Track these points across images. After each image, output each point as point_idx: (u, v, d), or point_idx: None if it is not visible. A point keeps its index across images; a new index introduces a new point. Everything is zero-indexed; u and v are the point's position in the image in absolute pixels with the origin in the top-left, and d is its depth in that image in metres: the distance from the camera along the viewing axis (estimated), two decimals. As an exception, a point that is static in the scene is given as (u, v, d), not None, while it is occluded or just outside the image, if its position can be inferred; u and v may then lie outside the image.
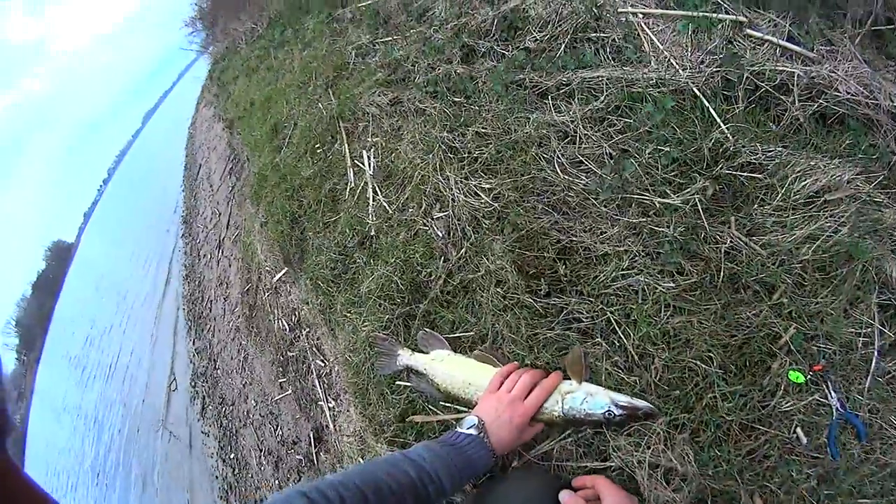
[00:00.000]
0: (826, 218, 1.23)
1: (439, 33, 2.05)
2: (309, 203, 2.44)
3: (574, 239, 1.33)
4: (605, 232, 1.31)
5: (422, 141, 1.80)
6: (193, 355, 5.84)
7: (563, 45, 1.70)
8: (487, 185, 1.51)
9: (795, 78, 1.41)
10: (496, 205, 1.47)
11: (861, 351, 1.13)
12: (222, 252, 5.39)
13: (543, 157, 1.46)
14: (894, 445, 1.07)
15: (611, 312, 1.22)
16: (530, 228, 1.38)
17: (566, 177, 1.40)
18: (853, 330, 1.14)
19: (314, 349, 2.42)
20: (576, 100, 1.54)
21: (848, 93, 1.40)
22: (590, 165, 1.42)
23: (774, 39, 1.51)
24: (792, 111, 1.40)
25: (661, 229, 1.27)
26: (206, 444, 4.15)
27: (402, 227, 1.78)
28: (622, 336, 1.21)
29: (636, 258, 1.26)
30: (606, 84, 1.54)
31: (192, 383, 5.66)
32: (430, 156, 1.68)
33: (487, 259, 1.40)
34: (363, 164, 2.10)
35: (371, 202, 1.95)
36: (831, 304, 1.16)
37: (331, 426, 2.17)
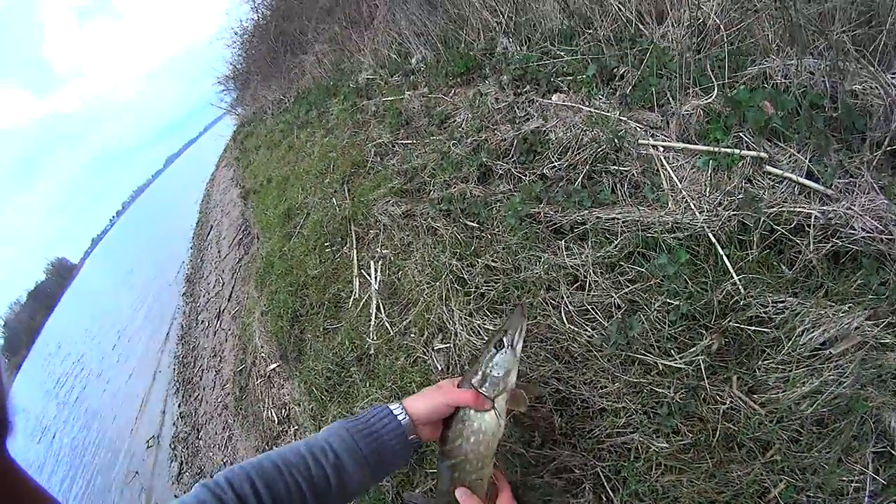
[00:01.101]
0: (830, 370, 1.64)
1: (458, 147, 2.67)
2: (312, 304, 3.04)
3: (573, 391, 1.76)
4: (606, 387, 1.75)
5: (430, 265, 2.35)
6: (178, 418, 7.13)
7: (581, 176, 2.25)
8: (491, 327, 1.99)
9: (812, 220, 1.92)
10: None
11: (852, 496, 1.46)
12: (220, 324, 6.71)
13: (551, 303, 1.93)
14: None
15: (601, 468, 1.64)
16: (530, 376, 1.82)
17: (572, 326, 1.88)
18: (845, 479, 1.48)
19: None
20: (589, 242, 2.00)
21: (863, 229, 1.78)
22: (597, 316, 1.88)
23: (793, 177, 1.97)
24: (806, 254, 1.84)
25: (661, 390, 1.69)
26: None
27: (401, 351, 2.28)
28: (610, 491, 1.62)
29: (633, 416, 1.70)
30: (622, 227, 2.06)
31: (172, 445, 6.82)
32: (438, 283, 2.19)
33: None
34: (369, 276, 2.69)
35: (373, 318, 2.51)
36: (826, 458, 1.55)
37: None
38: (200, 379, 6.89)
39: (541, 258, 2.08)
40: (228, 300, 6.93)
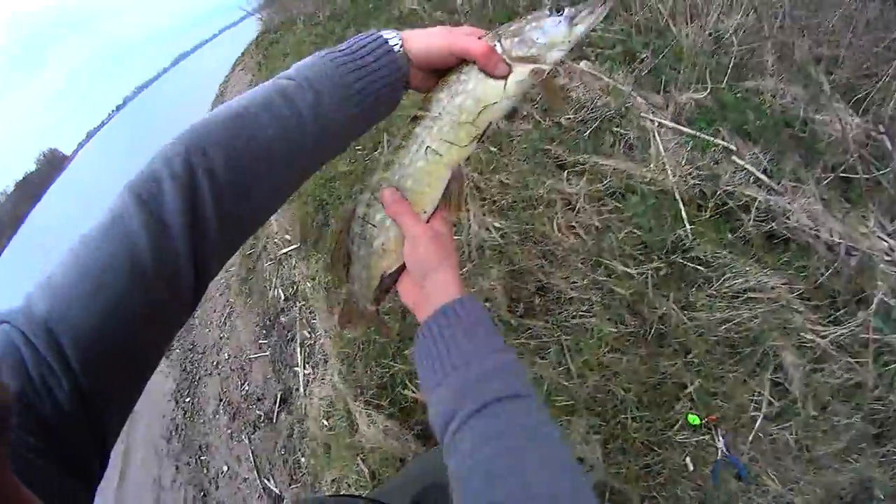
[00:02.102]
0: (745, 310, 2.24)
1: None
2: (338, 195, 3.49)
3: (552, 281, 2.29)
4: (576, 282, 2.29)
5: None
6: None
7: (590, 130, 2.79)
8: (498, 225, 2.47)
9: (757, 203, 2.47)
10: (501, 241, 2.44)
11: (751, 414, 2.01)
12: None
13: (547, 216, 2.47)
14: (767, 492, 1.90)
15: (564, 340, 2.19)
16: (521, 265, 2.34)
17: (560, 235, 2.41)
18: (748, 397, 2.07)
19: (304, 321, 3.39)
20: (585, 178, 2.56)
21: (798, 222, 2.40)
22: (579, 232, 2.43)
23: (751, 168, 2.53)
24: (747, 227, 2.41)
25: (617, 289, 2.24)
26: (161, 384, 5.06)
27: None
28: (568, 358, 2.18)
29: (593, 305, 2.23)
30: (611, 172, 2.60)
31: None
32: None
33: (482, 279, 2.38)
34: None
35: None
36: (733, 373, 2.14)
37: (301, 390, 3.08)
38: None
39: (545, 182, 2.59)
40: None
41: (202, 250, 0.69)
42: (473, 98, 0.86)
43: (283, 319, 3.71)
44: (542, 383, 2.10)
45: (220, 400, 3.95)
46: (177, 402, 4.51)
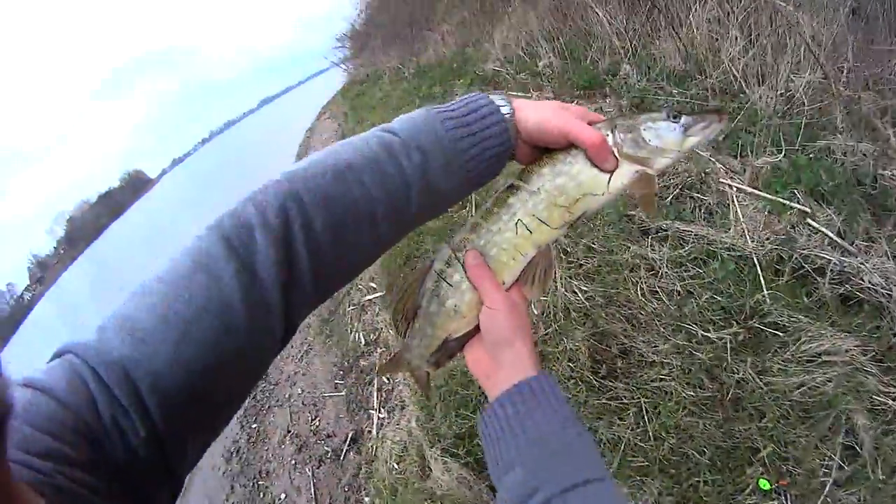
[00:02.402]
0: (820, 374, 2.40)
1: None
2: (425, 251, 3.85)
3: (634, 345, 2.50)
4: (657, 345, 2.49)
5: None
6: None
7: (671, 196, 3.00)
8: (584, 288, 2.71)
9: (831, 265, 2.60)
10: (586, 304, 2.69)
11: (821, 478, 2.15)
12: None
13: (631, 281, 2.70)
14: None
15: (644, 401, 2.41)
16: (605, 328, 2.58)
17: (643, 300, 2.62)
18: (818, 461, 2.20)
19: (383, 368, 3.66)
20: (667, 245, 2.78)
21: (871, 283, 2.52)
22: (662, 296, 2.64)
23: (826, 231, 2.66)
24: (822, 290, 2.55)
25: (696, 354, 2.45)
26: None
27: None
28: (646, 420, 2.42)
29: (673, 369, 2.43)
30: (693, 238, 2.79)
31: None
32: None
33: (567, 340, 2.62)
34: None
35: None
36: (806, 437, 2.31)
37: (374, 432, 3.34)
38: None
39: (629, 248, 2.81)
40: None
41: (294, 303, 0.68)
42: (576, 183, 0.85)
43: (362, 363, 4.01)
44: (620, 444, 2.33)
45: (289, 431, 4.20)
46: (242, 427, 4.73)
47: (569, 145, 0.84)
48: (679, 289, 2.63)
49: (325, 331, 4.91)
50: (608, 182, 0.84)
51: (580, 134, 0.80)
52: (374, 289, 4.49)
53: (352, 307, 4.69)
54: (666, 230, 2.84)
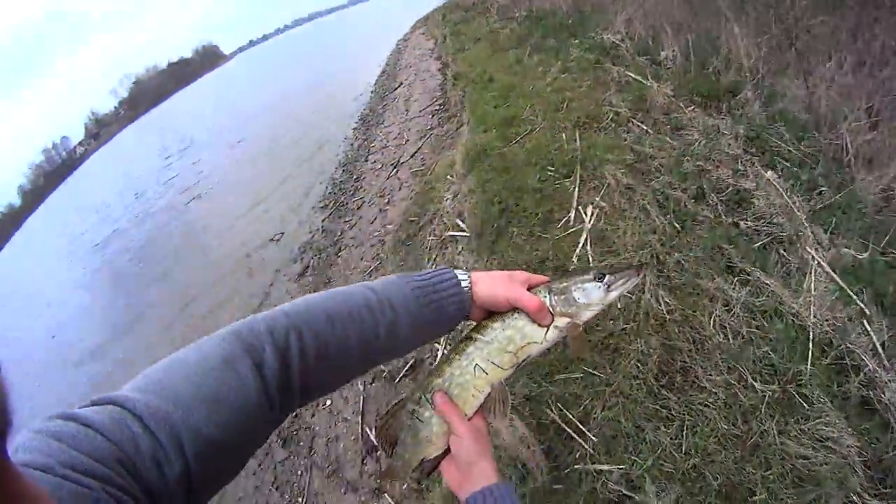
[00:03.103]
0: (822, 454, 2.78)
1: (688, 162, 3.53)
2: (524, 207, 3.88)
3: (694, 367, 2.81)
4: (712, 376, 2.81)
5: (639, 235, 3.28)
6: (318, 230, 7.80)
7: (761, 243, 3.22)
8: (667, 300, 2.96)
9: (866, 369, 2.96)
10: (666, 316, 2.94)
11: None
12: (397, 172, 7.44)
13: (708, 309, 2.95)
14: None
15: (688, 419, 2.73)
16: (675, 343, 2.87)
17: (712, 330, 2.89)
18: None
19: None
20: (746, 289, 3.02)
21: (889, 400, 2.92)
22: (727, 333, 2.92)
23: (874, 338, 3.03)
24: (850, 385, 2.93)
25: (739, 395, 2.78)
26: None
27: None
28: (684, 436, 2.73)
29: (718, 400, 2.77)
30: (768, 292, 3.05)
31: (302, 249, 7.54)
32: (641, 252, 3.16)
33: (640, 342, 2.88)
34: (585, 215, 3.57)
35: (579, 248, 3.42)
36: (792, 499, 2.64)
37: (433, 365, 3.47)
38: (358, 208, 7.52)
39: (714, 279, 3.03)
40: (412, 157, 7.66)
41: (287, 401, 0.89)
42: (521, 334, 1.09)
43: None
44: (658, 448, 2.63)
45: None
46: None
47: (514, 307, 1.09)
48: (744, 333, 2.89)
49: (399, 250, 4.95)
50: (545, 333, 1.10)
51: (526, 303, 1.07)
52: (458, 226, 4.48)
53: (432, 237, 4.71)
54: (749, 274, 3.07)
